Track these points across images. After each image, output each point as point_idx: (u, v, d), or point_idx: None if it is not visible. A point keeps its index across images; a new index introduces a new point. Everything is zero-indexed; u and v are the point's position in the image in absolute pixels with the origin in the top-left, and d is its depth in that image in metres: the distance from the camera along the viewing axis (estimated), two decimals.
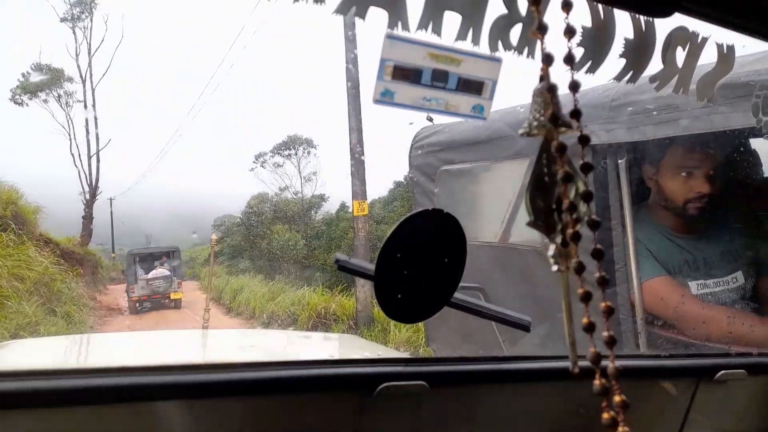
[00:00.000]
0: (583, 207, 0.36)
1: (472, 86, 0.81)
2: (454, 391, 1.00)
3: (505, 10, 0.79)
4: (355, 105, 10.42)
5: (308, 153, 23.30)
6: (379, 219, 17.36)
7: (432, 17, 0.76)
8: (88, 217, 22.20)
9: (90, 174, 23.17)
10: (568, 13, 0.46)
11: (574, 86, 0.39)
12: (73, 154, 23.05)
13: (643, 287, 2.15)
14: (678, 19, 0.81)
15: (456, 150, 3.36)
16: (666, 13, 0.68)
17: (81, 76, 22.92)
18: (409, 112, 0.81)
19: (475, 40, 0.78)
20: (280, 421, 0.90)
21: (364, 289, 10.11)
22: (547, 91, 0.37)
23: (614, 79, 0.91)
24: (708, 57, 0.98)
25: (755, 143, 2.45)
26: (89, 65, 23.00)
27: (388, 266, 0.86)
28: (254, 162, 23.84)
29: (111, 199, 27.71)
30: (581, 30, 0.83)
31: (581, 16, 0.83)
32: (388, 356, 1.45)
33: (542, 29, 0.41)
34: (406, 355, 3.55)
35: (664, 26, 0.89)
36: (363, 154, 10.52)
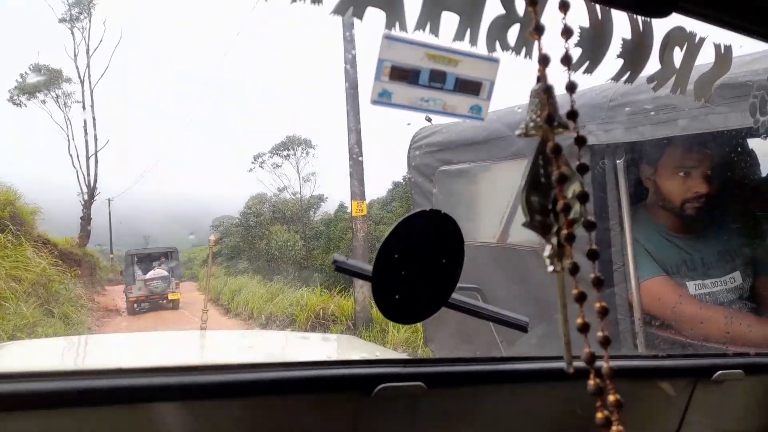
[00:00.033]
0: (578, 208, 0.36)
1: (470, 87, 0.81)
2: (452, 392, 1.00)
3: (502, 11, 0.79)
4: (354, 105, 10.42)
5: (307, 153, 23.31)
6: (378, 219, 17.36)
7: (429, 18, 0.76)
8: (86, 218, 22.15)
9: (88, 175, 23.13)
10: (565, 14, 0.45)
11: (571, 87, 0.39)
12: (71, 155, 23.01)
13: (641, 287, 2.15)
14: (675, 20, 0.81)
15: (454, 150, 3.36)
16: (663, 14, 0.68)
17: (79, 77, 22.89)
18: (407, 112, 0.81)
19: (473, 41, 0.78)
20: (277, 423, 0.90)
21: (363, 289, 10.10)
22: (543, 92, 0.37)
23: (612, 79, 0.91)
24: (705, 57, 0.98)
25: (753, 143, 2.45)
26: (87, 66, 22.97)
27: (386, 267, 0.86)
28: (253, 162, 23.85)
29: (109, 200, 27.64)
30: (579, 30, 0.83)
31: (579, 17, 0.83)
32: (385, 357, 1.45)
33: (539, 30, 0.41)
34: (404, 355, 3.55)
35: (661, 26, 0.89)
36: (361, 155, 10.52)
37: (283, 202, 22.74)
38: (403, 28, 0.75)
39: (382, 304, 0.89)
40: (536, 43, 0.42)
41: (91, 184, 22.99)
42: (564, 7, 0.46)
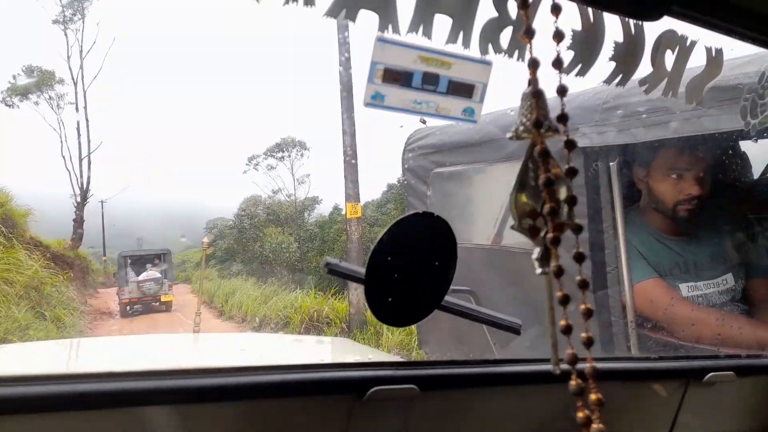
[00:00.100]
0: (566, 211, 0.36)
1: (463, 89, 0.81)
2: (445, 395, 1.00)
3: (495, 14, 0.79)
4: (348, 107, 10.41)
5: (301, 155, 23.28)
6: (373, 221, 17.36)
7: (422, 20, 0.76)
8: (78, 220, 21.99)
9: (81, 176, 23.00)
10: (557, 17, 0.46)
11: (562, 91, 0.39)
12: (64, 157, 22.84)
13: (634, 289, 2.16)
14: (667, 23, 0.82)
15: (448, 152, 3.36)
16: (655, 17, 0.68)
17: (72, 78, 22.76)
18: (401, 114, 0.81)
19: (466, 43, 0.79)
20: (270, 426, 0.90)
21: (357, 292, 10.09)
22: (532, 95, 0.37)
23: (604, 82, 0.91)
24: (697, 60, 0.99)
25: (745, 146, 2.47)
26: (81, 67, 22.86)
27: (379, 269, 0.86)
28: (247, 164, 23.79)
29: (102, 202, 27.49)
30: (571, 33, 0.83)
31: (571, 20, 0.83)
32: (378, 360, 1.45)
33: (530, 33, 0.41)
34: (397, 358, 3.55)
35: (653, 29, 0.90)
36: (356, 157, 10.51)
37: (277, 204, 22.70)
38: (396, 30, 0.75)
39: (375, 306, 0.88)
40: (528, 46, 0.42)
41: (84, 186, 22.84)
42: (556, 10, 0.46)
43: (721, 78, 1.04)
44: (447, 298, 0.97)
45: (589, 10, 0.82)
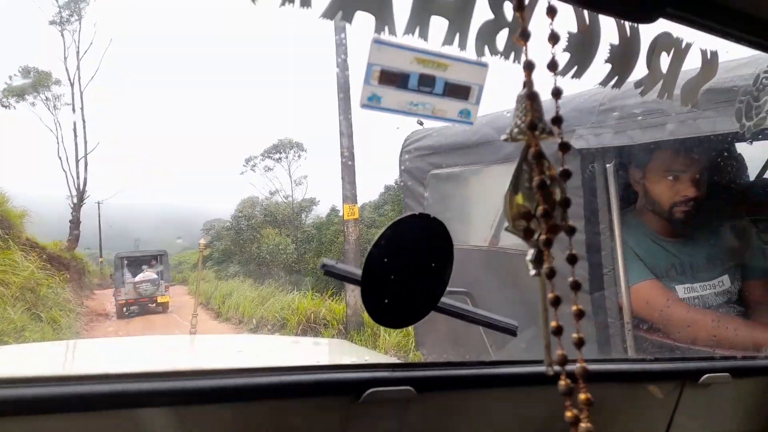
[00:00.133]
0: (559, 213, 0.36)
1: (459, 91, 0.81)
2: (441, 397, 1.00)
3: (491, 16, 0.79)
4: (346, 109, 10.42)
5: (299, 156, 23.30)
6: (370, 223, 17.37)
7: (419, 22, 0.76)
8: (75, 221, 21.93)
9: (78, 177, 22.95)
10: (552, 19, 0.46)
11: (557, 93, 0.39)
12: (60, 158, 22.81)
13: (631, 291, 2.16)
14: (662, 25, 0.82)
15: (445, 154, 3.37)
16: (650, 19, 0.69)
17: (69, 79, 22.73)
18: (398, 116, 0.81)
19: (462, 45, 0.79)
20: (266, 427, 0.90)
21: (354, 293, 10.08)
22: (527, 98, 0.38)
23: (600, 84, 0.91)
24: (692, 62, 0.99)
25: (742, 148, 2.48)
26: (78, 68, 22.82)
27: (375, 271, 0.86)
28: (244, 165, 23.79)
29: (99, 203, 27.41)
30: (567, 35, 0.83)
31: (567, 22, 0.84)
32: (375, 361, 1.45)
33: (525, 36, 0.41)
34: (394, 360, 3.55)
35: (648, 32, 0.90)
36: (353, 158, 10.52)
37: (274, 206, 22.69)
38: (392, 32, 0.75)
39: (371, 308, 0.88)
40: (523, 48, 0.42)
41: (81, 187, 22.79)
42: (551, 12, 0.46)
43: (716, 80, 1.04)
44: (443, 299, 0.97)
45: (585, 12, 0.82)
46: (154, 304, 16.10)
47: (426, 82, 0.79)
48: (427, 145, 3.50)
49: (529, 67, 0.38)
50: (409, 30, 0.76)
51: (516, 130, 0.38)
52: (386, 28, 0.75)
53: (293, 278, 16.67)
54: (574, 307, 0.37)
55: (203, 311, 15.27)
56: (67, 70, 22.73)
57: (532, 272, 0.38)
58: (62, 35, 22.53)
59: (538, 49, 0.45)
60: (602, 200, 2.29)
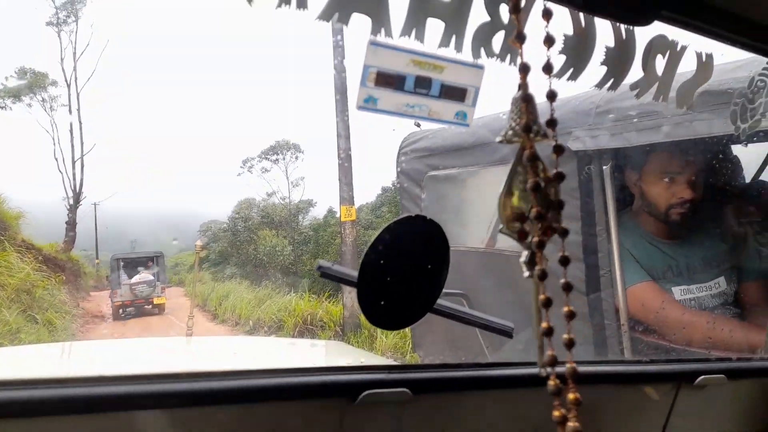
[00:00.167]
0: (552, 215, 0.36)
1: (455, 93, 0.82)
2: (437, 398, 1.00)
3: (487, 18, 0.79)
4: (343, 110, 10.42)
5: (296, 158, 23.32)
6: (367, 224, 17.37)
7: (415, 24, 0.77)
8: (71, 223, 21.88)
9: (74, 179, 22.89)
10: (548, 22, 0.46)
11: (552, 96, 0.39)
12: (56, 159, 22.76)
13: (627, 292, 2.16)
14: (658, 28, 0.82)
15: (442, 156, 3.37)
16: (646, 22, 0.69)
17: (66, 80, 22.69)
18: (394, 118, 0.81)
19: (458, 48, 0.79)
20: (262, 430, 0.89)
21: (351, 295, 10.07)
22: (522, 100, 0.38)
23: (596, 86, 0.92)
24: (688, 65, 1.00)
25: (738, 150, 2.49)
26: (74, 69, 22.78)
27: (371, 273, 0.86)
28: (241, 167, 23.79)
29: (95, 205, 27.34)
30: (563, 38, 0.84)
31: (563, 24, 0.84)
32: (370, 363, 1.45)
33: (521, 38, 0.41)
34: (390, 362, 3.54)
35: (644, 34, 0.91)
36: (351, 160, 10.51)
37: (271, 207, 22.68)
38: (388, 34, 0.76)
39: (367, 310, 0.88)
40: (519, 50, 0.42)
41: (77, 189, 22.74)
42: (547, 15, 0.46)
43: (712, 82, 1.05)
44: (439, 301, 0.97)
45: (581, 15, 0.82)
46: (150, 306, 16.07)
47: (422, 84, 0.79)
48: (424, 147, 3.51)
49: (524, 69, 0.39)
50: (406, 32, 0.76)
51: (511, 132, 0.38)
52: (383, 30, 0.75)
53: (290, 280, 16.67)
54: (565, 308, 0.37)
55: (200, 313, 15.24)
56: (63, 71, 22.71)
57: (526, 274, 0.38)
58: (59, 36, 22.51)
59: (534, 51, 0.45)
60: (599, 202, 2.29)
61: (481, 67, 0.81)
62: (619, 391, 1.16)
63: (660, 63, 0.93)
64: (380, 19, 0.75)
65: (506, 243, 2.94)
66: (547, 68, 0.42)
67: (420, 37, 0.76)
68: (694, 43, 0.94)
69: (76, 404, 0.77)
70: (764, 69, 1.47)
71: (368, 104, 0.79)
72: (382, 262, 0.86)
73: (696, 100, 1.05)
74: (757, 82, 1.48)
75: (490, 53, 0.80)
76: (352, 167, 10.49)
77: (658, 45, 0.92)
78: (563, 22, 0.82)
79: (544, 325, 0.36)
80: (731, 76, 1.73)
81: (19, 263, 11.46)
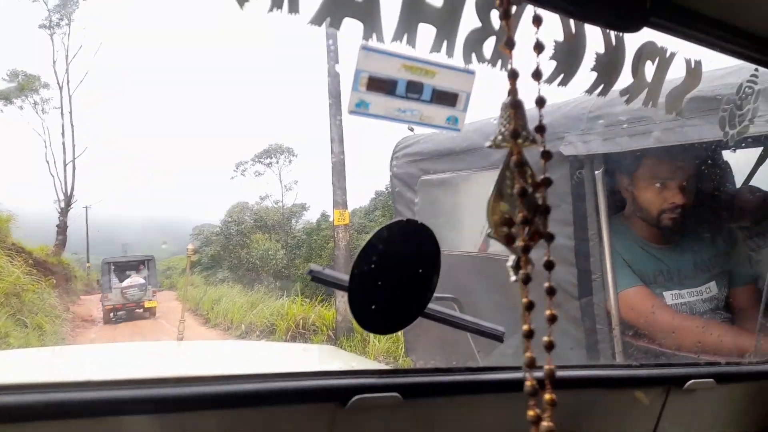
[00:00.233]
0: (539, 220, 0.37)
1: (447, 98, 0.82)
2: (428, 403, 1.00)
3: (479, 24, 0.79)
4: (336, 114, 10.43)
5: (289, 162, 23.32)
6: (360, 228, 17.36)
7: (407, 29, 0.77)
8: (62, 226, 21.74)
9: (65, 182, 22.76)
10: (538, 28, 0.46)
11: (540, 102, 0.40)
12: (48, 162, 22.65)
13: (619, 297, 2.17)
14: (647, 34, 0.83)
15: (436, 160, 3.37)
16: (635, 28, 0.70)
17: (58, 83, 22.59)
18: (386, 122, 0.81)
19: (450, 53, 0.79)
20: None
21: (344, 299, 10.03)
22: (511, 106, 0.38)
23: (586, 92, 0.92)
24: (677, 71, 1.00)
25: (728, 155, 2.51)
26: (66, 72, 22.68)
27: (362, 277, 0.86)
28: (234, 170, 23.76)
29: (86, 208, 27.18)
30: (553, 44, 0.84)
31: (554, 30, 0.84)
32: (361, 368, 1.45)
33: (510, 44, 0.42)
34: (381, 366, 3.54)
35: (634, 41, 0.91)
36: (344, 164, 10.52)
37: (264, 211, 22.64)
38: (380, 39, 0.76)
39: (359, 314, 0.88)
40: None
41: (68, 192, 22.62)
42: (537, 21, 0.47)
43: (701, 89, 1.06)
44: (431, 305, 0.97)
45: (571, 21, 0.83)
46: (141, 310, 15.98)
47: (414, 89, 0.79)
48: (417, 151, 3.51)
49: (513, 75, 0.39)
50: (397, 37, 0.76)
51: (500, 137, 0.38)
52: (374, 35, 0.75)
53: (283, 284, 16.62)
54: (547, 312, 0.37)
55: (192, 317, 15.16)
56: (56, 73, 22.62)
57: (513, 278, 0.38)
58: (51, 39, 22.41)
59: (525, 57, 0.46)
60: (591, 207, 2.30)
61: (472, 73, 0.81)
62: (608, 396, 1.16)
63: (649, 69, 0.94)
64: (372, 23, 0.75)
65: (499, 247, 2.94)
66: (537, 74, 0.42)
67: (411, 42, 0.77)
68: (682, 50, 0.95)
69: (66, 409, 0.76)
70: (752, 76, 1.48)
71: (360, 108, 0.79)
72: (373, 266, 0.86)
73: (685, 106, 1.06)
74: (745, 88, 1.49)
75: (481, 59, 0.80)
76: (345, 171, 10.50)
77: (647, 51, 0.92)
78: (554, 28, 0.83)
79: (525, 327, 0.36)
80: (721, 83, 1.75)
81: (9, 267, 11.37)
